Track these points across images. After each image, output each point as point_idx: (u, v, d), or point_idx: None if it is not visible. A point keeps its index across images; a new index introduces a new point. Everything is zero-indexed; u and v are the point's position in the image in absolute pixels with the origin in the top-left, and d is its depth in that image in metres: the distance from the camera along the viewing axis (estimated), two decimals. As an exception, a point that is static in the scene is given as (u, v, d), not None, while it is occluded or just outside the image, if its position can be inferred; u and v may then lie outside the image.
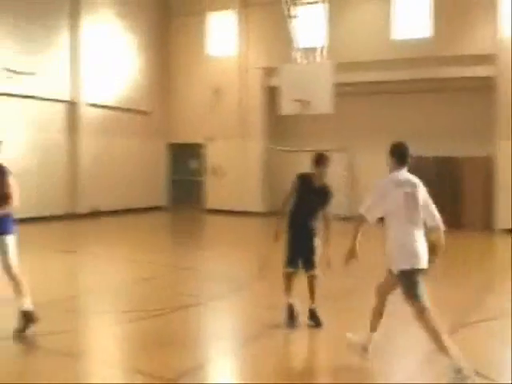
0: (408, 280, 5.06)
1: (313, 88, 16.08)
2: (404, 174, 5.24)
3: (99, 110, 18.91)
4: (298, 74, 16.54)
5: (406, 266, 5.06)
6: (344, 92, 16.50)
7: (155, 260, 11.22)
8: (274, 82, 18.65)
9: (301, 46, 17.18)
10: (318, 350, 6.19)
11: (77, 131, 18.29)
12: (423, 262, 5.10)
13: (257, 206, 19.44)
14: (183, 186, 21.70)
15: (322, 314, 6.58)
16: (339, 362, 5.56)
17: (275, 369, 5.49)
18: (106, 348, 6.21)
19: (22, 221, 15.43)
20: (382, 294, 5.42)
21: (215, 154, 20.54)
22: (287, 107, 16.59)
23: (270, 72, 19.39)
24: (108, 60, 19.23)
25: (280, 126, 19.62)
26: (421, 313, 5.00)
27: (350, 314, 7.25)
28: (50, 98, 17.34)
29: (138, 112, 20.40)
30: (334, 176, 18.95)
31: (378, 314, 5.44)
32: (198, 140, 20.82)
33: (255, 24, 19.89)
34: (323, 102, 15.90)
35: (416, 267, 5.05)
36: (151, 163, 21.18)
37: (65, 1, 17.94)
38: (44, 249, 12.19)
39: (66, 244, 13.86)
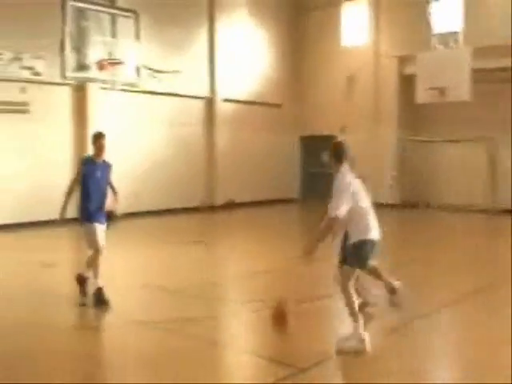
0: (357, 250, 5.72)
1: (450, 75, 15.49)
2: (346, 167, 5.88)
3: (234, 105, 19.52)
4: (434, 60, 15.99)
5: (360, 237, 5.71)
6: (482, 78, 15.65)
7: (286, 251, 11.36)
8: (409, 69, 18.15)
9: (437, 31, 16.56)
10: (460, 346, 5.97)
11: (213, 126, 19.04)
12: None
13: (391, 197, 19.04)
14: (315, 178, 21.75)
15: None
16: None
17: (402, 367, 5.34)
18: (239, 335, 6.43)
19: (165, 212, 16.60)
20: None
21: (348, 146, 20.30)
22: (423, 95, 16.11)
23: (403, 60, 18.88)
24: (242, 57, 19.78)
25: (414, 114, 19.03)
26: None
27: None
28: (190, 95, 18.20)
29: (271, 105, 20.77)
30: (472, 165, 18.20)
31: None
32: (330, 132, 20.73)
33: (388, 12, 19.43)
34: (461, 89, 15.27)
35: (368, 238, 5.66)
36: (284, 156, 21.48)
37: (203, 5, 18.73)
38: (183, 238, 12.92)
39: (203, 235, 14.52)
